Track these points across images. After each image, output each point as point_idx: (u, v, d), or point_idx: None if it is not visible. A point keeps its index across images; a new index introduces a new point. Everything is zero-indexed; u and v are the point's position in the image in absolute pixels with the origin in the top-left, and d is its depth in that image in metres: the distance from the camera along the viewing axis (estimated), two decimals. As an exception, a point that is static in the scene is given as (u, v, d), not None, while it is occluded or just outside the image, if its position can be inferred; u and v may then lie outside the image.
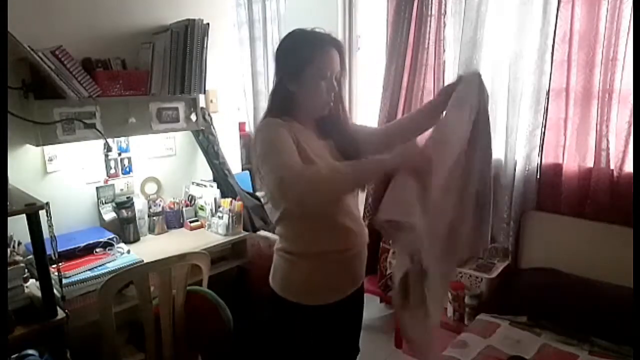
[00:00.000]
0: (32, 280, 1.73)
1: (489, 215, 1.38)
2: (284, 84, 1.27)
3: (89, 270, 1.84)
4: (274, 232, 2.49)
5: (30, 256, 1.67)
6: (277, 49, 1.29)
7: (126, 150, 2.35)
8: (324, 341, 1.34)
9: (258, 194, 2.96)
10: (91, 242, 1.99)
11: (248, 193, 2.68)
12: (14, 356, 1.54)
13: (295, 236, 1.32)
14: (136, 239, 2.27)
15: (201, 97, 2.45)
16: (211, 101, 2.67)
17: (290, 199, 1.10)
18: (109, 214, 2.24)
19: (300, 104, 1.28)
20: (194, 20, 2.16)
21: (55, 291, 1.60)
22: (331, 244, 1.29)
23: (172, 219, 2.44)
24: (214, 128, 2.63)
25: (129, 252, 2.03)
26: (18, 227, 1.61)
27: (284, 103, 1.28)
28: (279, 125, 1.21)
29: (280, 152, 1.13)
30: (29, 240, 1.50)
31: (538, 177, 2.22)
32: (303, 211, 1.22)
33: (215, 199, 2.41)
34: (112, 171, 2.31)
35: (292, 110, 1.28)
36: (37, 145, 1.98)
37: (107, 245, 2.01)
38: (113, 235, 2.10)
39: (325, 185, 1.10)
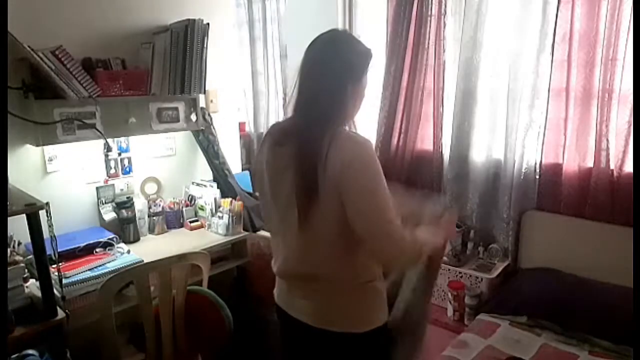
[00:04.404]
0: (32, 280, 1.73)
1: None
2: (348, 89, 1.15)
3: (89, 270, 1.85)
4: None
5: (30, 256, 1.67)
6: (346, 53, 1.16)
7: (126, 150, 2.35)
8: None
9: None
10: (91, 242, 1.99)
11: (248, 193, 2.68)
12: (14, 356, 1.54)
13: (364, 264, 1.20)
14: (136, 239, 2.27)
15: (201, 97, 2.45)
16: (211, 101, 2.67)
17: (383, 257, 1.14)
18: (109, 214, 2.25)
19: (345, 112, 1.18)
20: (194, 20, 2.16)
21: (55, 291, 1.60)
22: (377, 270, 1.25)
23: (172, 219, 2.44)
24: (214, 128, 2.63)
25: (129, 252, 2.03)
26: (18, 227, 1.61)
27: (337, 110, 1.15)
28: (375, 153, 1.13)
29: (387, 200, 1.08)
30: (29, 240, 1.50)
31: (538, 177, 2.22)
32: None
33: (215, 199, 2.41)
34: (112, 171, 2.31)
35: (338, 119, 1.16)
36: (37, 145, 1.98)
37: (107, 245, 2.01)
38: (113, 235, 2.10)
39: (408, 260, 1.18)
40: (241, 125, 3.49)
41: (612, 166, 2.00)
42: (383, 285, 1.25)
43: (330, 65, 1.14)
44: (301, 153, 1.11)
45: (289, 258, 1.23)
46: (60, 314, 1.58)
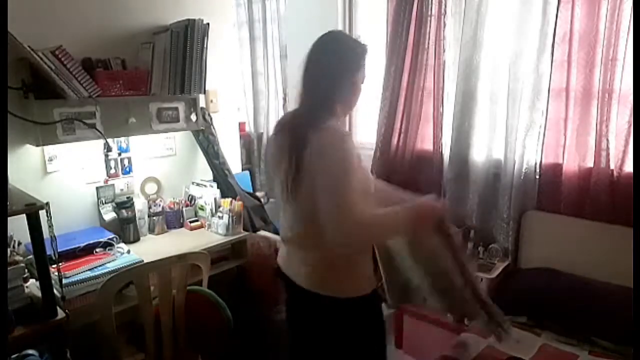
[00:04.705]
0: (32, 280, 1.73)
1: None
2: (339, 81, 1.28)
3: (89, 270, 1.85)
4: (274, 233, 2.51)
5: (30, 256, 1.67)
6: (338, 49, 1.30)
7: (126, 150, 2.35)
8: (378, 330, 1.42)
9: (258, 193, 2.96)
10: (91, 242, 1.99)
11: (248, 193, 2.68)
12: (14, 356, 1.54)
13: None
14: (136, 239, 2.27)
15: (201, 97, 2.45)
16: (211, 101, 2.67)
17: (337, 242, 1.19)
18: (109, 214, 2.25)
19: (343, 104, 1.33)
20: (194, 20, 2.16)
21: (55, 291, 1.60)
22: None
23: (172, 219, 2.44)
24: (214, 128, 2.63)
25: (129, 252, 2.03)
26: (18, 227, 1.61)
27: (333, 100, 1.30)
28: (351, 147, 1.22)
29: (347, 186, 1.17)
30: (29, 240, 1.50)
31: (538, 177, 2.22)
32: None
33: (215, 199, 2.41)
34: (112, 171, 2.31)
35: (334, 109, 1.31)
36: (37, 145, 1.98)
37: (107, 245, 2.01)
38: (113, 235, 2.10)
39: (370, 240, 1.31)
40: (241, 125, 3.50)
41: (612, 166, 2.00)
42: (365, 259, 1.37)
43: (323, 61, 1.28)
44: (290, 143, 1.26)
45: (285, 228, 1.41)
46: (60, 314, 1.58)
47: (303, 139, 1.21)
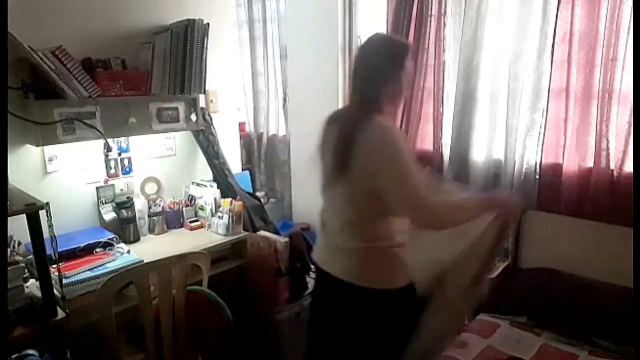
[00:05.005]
0: (32, 280, 1.73)
1: None
2: (385, 78, 1.37)
3: (89, 270, 1.84)
4: (274, 233, 2.51)
5: (30, 256, 1.67)
6: (379, 50, 1.39)
7: (126, 150, 2.35)
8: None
9: (258, 193, 2.96)
10: (91, 242, 1.99)
11: (248, 193, 2.68)
12: (14, 356, 1.54)
13: (390, 233, 1.38)
14: (136, 239, 2.27)
15: (201, 97, 2.45)
16: (211, 101, 2.67)
17: (422, 222, 1.32)
18: (109, 214, 2.25)
19: (390, 99, 1.39)
20: (194, 20, 2.16)
21: (55, 291, 1.60)
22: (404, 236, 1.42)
23: (172, 219, 2.44)
24: (214, 128, 2.63)
25: (129, 252, 2.03)
26: (18, 227, 1.61)
27: (380, 96, 1.36)
28: (403, 139, 1.33)
29: (410, 169, 1.26)
30: (29, 240, 1.50)
31: (538, 177, 2.22)
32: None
33: (215, 199, 2.41)
34: (112, 171, 2.31)
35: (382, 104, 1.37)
36: (37, 145, 1.98)
37: (107, 245, 2.01)
38: (113, 235, 2.10)
39: (444, 222, 1.33)
40: (241, 125, 3.50)
41: (612, 166, 2.00)
42: (403, 252, 1.40)
43: (369, 61, 1.38)
44: (338, 136, 1.35)
45: (326, 218, 1.47)
46: (60, 314, 1.58)
47: (355, 129, 1.29)
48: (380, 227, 1.36)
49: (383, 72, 1.37)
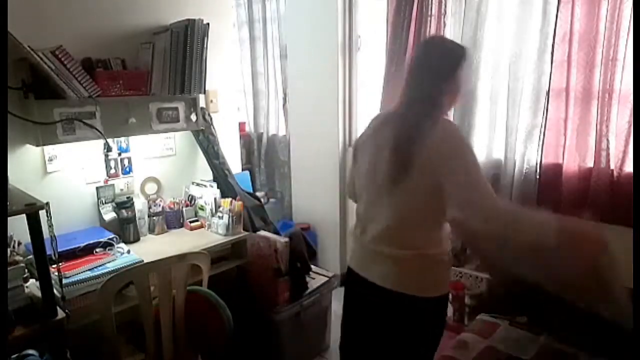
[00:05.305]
0: (32, 280, 1.73)
1: None
2: (442, 79, 1.36)
3: (89, 270, 1.84)
4: (274, 233, 2.50)
5: (30, 256, 1.67)
6: (437, 53, 1.39)
7: (126, 150, 2.35)
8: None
9: (258, 193, 2.96)
10: (91, 242, 1.99)
11: (248, 193, 2.68)
12: (14, 356, 1.54)
13: (439, 240, 1.38)
14: (136, 239, 2.27)
15: (201, 97, 2.45)
16: (211, 101, 2.67)
17: (487, 226, 1.21)
18: (109, 214, 2.24)
19: (447, 100, 1.39)
20: (194, 20, 2.16)
21: (55, 291, 1.60)
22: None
23: (172, 219, 2.44)
24: (214, 128, 2.63)
25: (129, 252, 2.03)
26: (18, 227, 1.61)
27: (438, 97, 1.35)
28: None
29: (483, 178, 1.25)
30: (29, 240, 1.50)
31: (538, 177, 2.22)
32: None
33: (215, 199, 2.41)
34: (112, 171, 2.31)
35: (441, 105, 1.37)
36: (37, 145, 1.98)
37: (107, 245, 2.01)
38: (113, 235, 2.10)
39: (513, 232, 1.22)
40: (241, 125, 3.50)
41: (612, 166, 2.00)
42: (450, 260, 1.41)
43: (427, 63, 1.38)
44: (399, 135, 1.31)
45: (370, 224, 1.41)
46: (60, 314, 1.58)
47: (420, 128, 1.28)
48: (433, 233, 1.35)
49: (445, 72, 1.37)
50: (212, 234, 2.36)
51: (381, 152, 1.35)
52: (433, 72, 1.36)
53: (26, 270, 1.66)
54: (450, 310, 2.22)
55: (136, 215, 2.27)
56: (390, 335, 1.42)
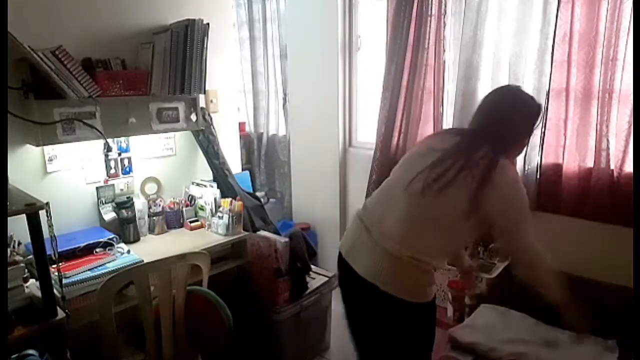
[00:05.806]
0: (32, 280, 1.73)
1: None
2: (518, 133, 1.52)
3: (89, 270, 1.84)
4: (274, 233, 2.50)
5: (30, 256, 1.67)
6: (529, 107, 1.52)
7: (126, 150, 2.35)
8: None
9: (258, 193, 2.96)
10: (91, 242, 1.99)
11: (248, 193, 2.68)
12: (14, 356, 1.54)
13: (442, 254, 1.50)
14: (136, 239, 2.27)
15: (201, 97, 2.45)
16: (211, 101, 2.67)
17: (527, 274, 1.52)
18: (109, 214, 2.25)
19: (513, 150, 1.57)
20: (194, 20, 2.16)
21: (55, 291, 1.60)
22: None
23: (172, 219, 2.44)
24: (214, 128, 2.63)
25: (129, 252, 2.03)
26: (18, 227, 1.61)
27: (509, 146, 1.50)
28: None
29: (529, 226, 1.44)
30: (29, 240, 1.50)
31: (538, 177, 2.22)
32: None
33: (215, 199, 2.41)
34: (112, 171, 2.31)
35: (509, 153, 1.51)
36: (37, 145, 1.98)
37: (107, 245, 2.01)
38: (113, 235, 2.10)
39: (542, 280, 1.52)
40: (241, 125, 3.50)
41: (612, 166, 2.00)
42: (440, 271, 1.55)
43: (518, 113, 1.49)
44: (460, 158, 1.39)
45: (385, 223, 1.44)
46: (60, 314, 1.58)
47: (489, 167, 1.36)
48: (450, 251, 1.56)
49: (526, 127, 1.52)
50: (212, 234, 2.36)
51: (428, 162, 1.42)
52: (519, 123, 1.49)
53: (26, 270, 1.66)
54: (450, 310, 2.22)
55: (136, 215, 2.27)
56: (372, 327, 1.51)
